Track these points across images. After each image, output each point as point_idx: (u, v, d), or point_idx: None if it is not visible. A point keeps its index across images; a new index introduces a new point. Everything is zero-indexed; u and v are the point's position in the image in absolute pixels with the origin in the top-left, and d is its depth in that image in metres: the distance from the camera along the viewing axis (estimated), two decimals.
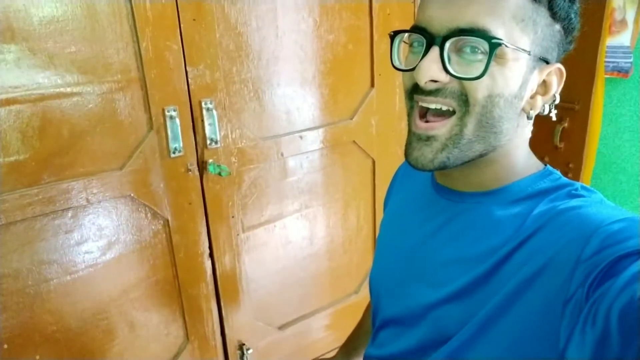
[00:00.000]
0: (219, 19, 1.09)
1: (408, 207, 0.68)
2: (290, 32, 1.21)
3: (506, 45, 0.48)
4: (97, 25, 0.96)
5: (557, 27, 0.52)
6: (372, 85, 1.39)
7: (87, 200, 1.03)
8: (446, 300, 0.55)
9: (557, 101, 0.56)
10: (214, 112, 1.12)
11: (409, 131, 0.55)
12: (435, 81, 0.50)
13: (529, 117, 0.54)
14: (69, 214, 1.02)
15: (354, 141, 1.40)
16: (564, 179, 0.55)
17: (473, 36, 0.48)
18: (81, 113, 0.99)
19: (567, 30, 0.54)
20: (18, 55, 0.90)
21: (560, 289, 0.45)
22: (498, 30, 0.48)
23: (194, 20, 1.06)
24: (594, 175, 1.92)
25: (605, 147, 1.83)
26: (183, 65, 1.07)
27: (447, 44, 0.49)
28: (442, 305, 0.55)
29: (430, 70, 0.49)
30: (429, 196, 0.63)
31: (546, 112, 0.56)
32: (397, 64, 0.56)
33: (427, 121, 0.53)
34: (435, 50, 0.49)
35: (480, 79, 0.49)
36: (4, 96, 0.91)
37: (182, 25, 1.05)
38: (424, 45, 0.51)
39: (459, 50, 0.50)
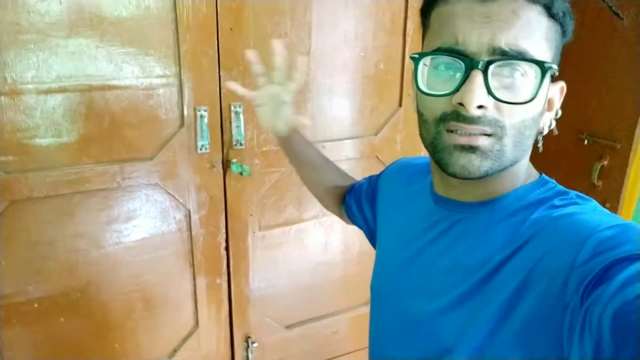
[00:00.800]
0: (254, 29, 1.18)
1: (406, 216, 0.69)
2: (322, 48, 1.28)
3: (555, 68, 0.49)
4: (144, 29, 1.08)
5: (563, 42, 0.53)
6: (400, 105, 1.43)
7: (119, 184, 1.14)
8: (443, 311, 0.55)
9: (559, 115, 0.57)
10: (242, 115, 1.21)
11: (443, 146, 0.52)
12: (481, 107, 0.49)
13: (541, 134, 0.55)
14: (102, 195, 1.14)
15: (376, 156, 1.45)
16: (559, 187, 0.56)
17: (517, 59, 0.48)
18: (122, 105, 1.10)
19: (565, 44, 0.55)
20: (73, 49, 1.03)
21: (558, 296, 0.45)
22: (534, 52, 0.48)
23: (231, 29, 1.15)
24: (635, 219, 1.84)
25: None
26: (217, 69, 1.16)
27: (491, 68, 0.48)
28: (438, 315, 0.56)
29: (479, 96, 0.48)
30: (428, 207, 0.63)
31: (553, 126, 0.57)
32: (424, 88, 0.52)
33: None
34: (479, 75, 0.48)
35: (526, 104, 0.49)
36: (58, 84, 1.04)
37: (219, 33, 1.14)
38: (463, 69, 0.49)
39: (496, 74, 0.49)
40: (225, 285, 1.35)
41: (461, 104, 0.49)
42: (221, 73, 1.17)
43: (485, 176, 0.52)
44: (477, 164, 0.51)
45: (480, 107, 0.49)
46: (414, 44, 1.39)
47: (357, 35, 1.31)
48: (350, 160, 1.42)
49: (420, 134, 0.57)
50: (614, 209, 1.82)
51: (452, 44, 0.50)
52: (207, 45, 1.14)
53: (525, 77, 0.48)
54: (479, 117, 0.49)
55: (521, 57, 0.48)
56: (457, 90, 0.49)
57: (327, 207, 0.96)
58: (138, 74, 1.10)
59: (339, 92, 1.34)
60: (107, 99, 1.09)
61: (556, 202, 0.53)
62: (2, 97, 1.00)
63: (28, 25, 0.98)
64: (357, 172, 1.44)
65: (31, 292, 1.13)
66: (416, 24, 1.37)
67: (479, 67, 0.48)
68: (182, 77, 1.13)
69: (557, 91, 0.56)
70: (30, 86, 1.01)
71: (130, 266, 1.22)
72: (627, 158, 1.73)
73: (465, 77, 0.49)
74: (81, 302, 1.19)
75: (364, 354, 1.66)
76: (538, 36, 0.49)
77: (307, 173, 0.93)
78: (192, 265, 1.29)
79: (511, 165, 0.53)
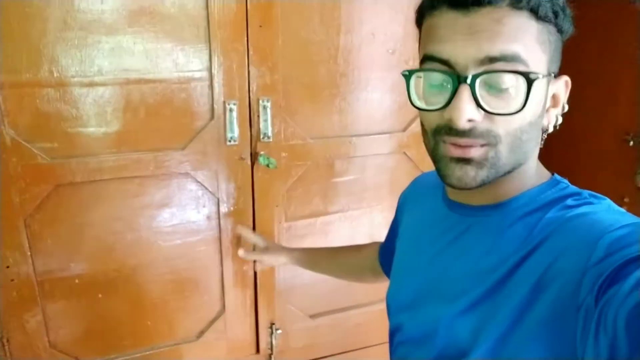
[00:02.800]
0: (283, 27, 1.22)
1: (421, 225, 0.70)
2: (351, 44, 1.30)
3: (540, 77, 0.49)
4: (178, 26, 1.14)
5: (561, 37, 0.54)
6: None
7: (152, 172, 1.21)
8: (459, 314, 0.56)
9: (566, 109, 0.58)
10: (269, 110, 1.25)
11: (441, 157, 0.54)
12: (471, 120, 0.50)
13: (546, 132, 0.56)
14: (137, 181, 1.22)
15: (404, 152, 1.46)
16: (572, 188, 0.56)
17: (505, 71, 0.48)
18: (156, 97, 1.17)
19: (565, 40, 0.55)
20: (113, 45, 1.11)
21: (572, 296, 0.45)
22: (527, 56, 0.49)
23: (260, 26, 1.20)
24: None
25: None
26: (246, 65, 1.21)
27: (478, 81, 0.48)
28: (455, 319, 0.56)
29: (467, 110, 0.49)
30: (441, 212, 0.65)
31: (559, 122, 0.57)
32: (418, 104, 0.54)
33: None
34: (466, 89, 0.49)
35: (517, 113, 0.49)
36: (99, 78, 1.12)
37: (249, 30, 1.19)
38: (451, 84, 0.50)
39: (485, 85, 0.49)
40: (251, 272, 1.41)
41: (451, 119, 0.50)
42: (250, 68, 1.22)
43: (483, 185, 0.53)
44: (472, 175, 0.52)
45: (470, 120, 0.50)
46: None
47: (386, 31, 1.32)
48: (378, 156, 1.44)
49: (424, 143, 0.59)
50: None
51: (439, 54, 0.51)
52: (237, 42, 1.19)
53: (515, 86, 0.49)
54: (470, 130, 0.50)
55: (512, 60, 0.48)
56: (447, 104, 0.50)
57: (370, 281, 1.08)
58: (172, 68, 1.16)
59: (367, 88, 1.36)
60: (143, 91, 1.16)
61: (569, 202, 0.53)
62: (50, 89, 1.09)
63: (72, 23, 1.06)
64: (386, 167, 1.46)
65: (72, 269, 1.23)
66: None
67: (467, 82, 0.48)
68: (213, 72, 1.19)
69: (561, 86, 0.55)
70: (74, 79, 1.10)
71: (162, 250, 1.30)
72: None
73: (454, 92, 0.49)
74: (117, 281, 1.28)
75: (386, 348, 1.68)
76: (529, 39, 0.49)
77: (334, 271, 1.13)
78: (220, 252, 1.35)
79: (513, 169, 0.54)
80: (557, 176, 0.58)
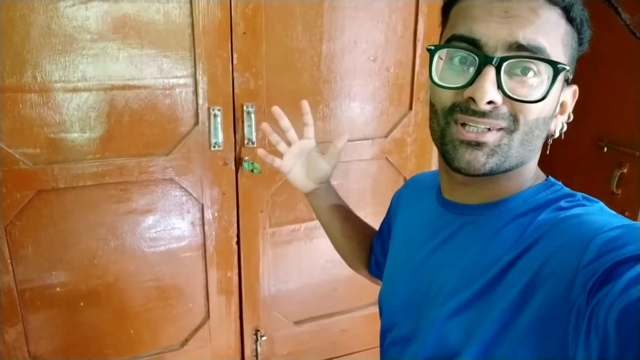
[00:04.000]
0: (267, 34, 1.24)
1: (415, 225, 0.69)
2: (333, 52, 1.33)
3: (567, 70, 0.49)
4: (163, 33, 1.15)
5: (579, 50, 0.54)
6: (410, 108, 1.46)
7: (137, 177, 1.21)
8: (451, 315, 0.55)
9: (571, 119, 0.58)
10: (253, 115, 1.27)
11: (451, 139, 0.53)
12: (491, 102, 0.49)
13: (552, 136, 0.56)
14: (120, 187, 1.21)
15: (386, 158, 1.48)
16: (566, 190, 0.56)
17: (533, 57, 0.48)
18: (140, 104, 1.18)
19: (582, 53, 0.55)
20: (97, 51, 1.11)
21: (564, 296, 0.45)
22: (552, 51, 0.49)
23: (244, 33, 1.22)
24: None
25: None
26: (230, 71, 1.23)
27: (505, 65, 0.48)
28: (447, 320, 0.56)
29: (491, 91, 0.48)
30: (435, 211, 0.64)
31: (564, 130, 0.57)
32: (438, 80, 0.53)
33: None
34: (491, 71, 0.48)
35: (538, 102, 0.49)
36: (82, 84, 1.12)
37: (233, 37, 1.21)
38: (476, 64, 0.49)
39: (509, 70, 0.49)
40: (236, 278, 1.41)
41: (472, 99, 0.50)
42: (234, 75, 1.23)
43: (489, 173, 0.52)
44: (482, 160, 0.51)
45: (490, 102, 0.49)
46: (424, 49, 1.42)
47: (367, 39, 1.36)
48: (361, 162, 1.46)
49: (430, 127, 0.57)
50: (633, 217, 1.78)
51: (469, 35, 0.50)
52: (221, 49, 1.20)
53: (539, 75, 0.49)
54: (490, 112, 0.50)
55: (538, 53, 0.48)
56: (470, 84, 0.50)
57: (352, 266, 0.94)
58: (156, 74, 1.17)
59: (349, 94, 1.38)
60: (127, 97, 1.16)
61: (563, 203, 0.53)
62: (33, 95, 1.09)
63: (57, 29, 1.07)
64: (369, 173, 1.48)
65: (54, 277, 1.21)
66: (427, 29, 1.40)
67: (492, 62, 0.48)
68: (197, 78, 1.20)
69: (569, 95, 0.56)
70: (57, 85, 1.10)
71: (146, 256, 1.29)
72: None
73: (478, 72, 0.49)
74: (100, 289, 1.27)
75: (373, 354, 1.69)
76: (556, 37, 0.50)
77: (334, 228, 0.90)
78: (205, 258, 1.35)
79: (518, 165, 0.54)
80: (551, 178, 0.58)
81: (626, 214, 1.77)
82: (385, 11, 1.35)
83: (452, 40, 0.52)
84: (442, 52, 0.53)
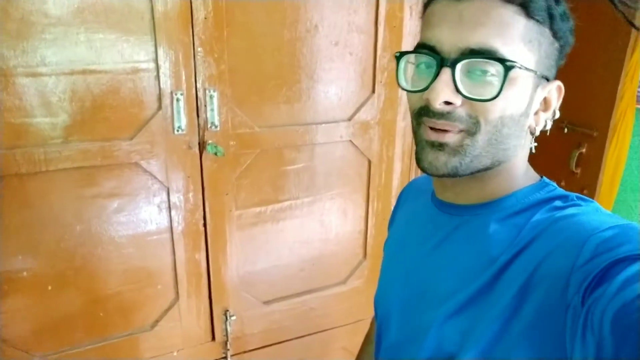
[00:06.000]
0: (228, 18, 1.26)
1: (410, 226, 0.70)
2: (295, 36, 1.35)
3: (519, 67, 0.49)
4: (122, 17, 1.16)
5: (557, 45, 0.54)
6: (373, 91, 1.49)
7: (101, 162, 1.23)
8: (448, 317, 0.55)
9: (557, 116, 0.57)
10: (216, 100, 1.29)
11: (419, 140, 0.55)
12: (449, 103, 0.51)
13: (533, 134, 0.56)
14: (85, 172, 1.23)
15: (350, 141, 1.51)
16: (560, 190, 0.57)
17: (485, 58, 0.49)
18: (102, 88, 1.19)
19: (563, 47, 0.55)
20: (56, 35, 1.12)
21: (560, 296, 0.45)
22: (507, 51, 0.49)
23: (205, 18, 1.23)
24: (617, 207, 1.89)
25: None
26: (192, 56, 1.24)
27: (459, 66, 0.50)
28: (444, 322, 0.56)
29: (443, 92, 0.50)
30: (430, 212, 0.64)
31: (548, 127, 0.57)
32: (404, 84, 0.56)
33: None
34: (447, 72, 0.50)
35: (494, 101, 0.50)
36: (42, 69, 1.12)
37: (194, 22, 1.22)
38: (435, 67, 0.51)
39: (468, 72, 0.50)
40: (204, 261, 1.43)
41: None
42: (196, 59, 1.25)
43: (454, 173, 0.53)
44: (443, 160, 0.53)
45: (448, 103, 0.51)
46: (386, 33, 1.45)
47: (329, 24, 1.38)
48: (326, 145, 1.49)
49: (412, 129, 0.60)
50: (592, 195, 1.85)
51: (428, 40, 0.52)
52: (183, 33, 1.22)
53: (493, 75, 0.50)
54: (448, 113, 0.51)
55: (490, 54, 0.49)
56: (428, 87, 0.52)
57: None
58: (117, 59, 1.18)
59: (312, 78, 1.41)
60: (89, 82, 1.17)
61: (557, 203, 0.54)
62: None
63: (15, 13, 1.07)
64: (334, 155, 1.51)
65: (20, 262, 1.22)
66: (387, 12, 1.43)
67: (447, 64, 0.50)
68: (159, 63, 1.21)
69: (553, 91, 0.56)
70: (17, 69, 1.10)
71: (113, 240, 1.31)
72: (603, 146, 1.77)
73: (436, 74, 0.51)
74: (67, 272, 1.29)
75: (341, 332, 1.74)
76: (512, 35, 0.50)
77: None
78: (172, 240, 1.38)
79: (494, 164, 0.54)
80: (545, 179, 0.59)
81: (585, 192, 1.84)
82: None
83: (417, 47, 0.54)
84: (411, 57, 0.56)
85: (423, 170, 0.55)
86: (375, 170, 1.58)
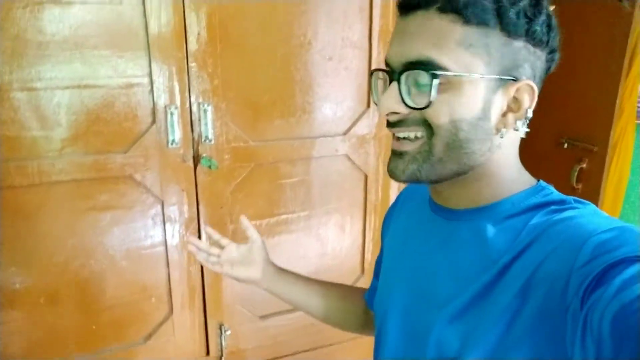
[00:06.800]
0: (222, 34, 1.27)
1: (408, 230, 0.70)
2: (289, 51, 1.36)
3: (453, 74, 0.51)
4: (117, 34, 1.18)
5: (518, 43, 0.52)
6: (369, 105, 1.50)
7: (95, 175, 1.24)
8: (448, 321, 0.56)
9: (530, 116, 0.55)
10: (210, 114, 1.30)
11: (391, 150, 0.59)
12: (396, 113, 0.54)
13: (501, 136, 0.55)
14: (78, 185, 1.24)
15: (346, 155, 1.51)
16: (557, 194, 0.57)
17: (417, 69, 0.52)
18: (97, 102, 1.20)
19: (536, 44, 0.53)
20: (51, 52, 1.14)
21: (559, 299, 0.46)
22: (445, 60, 0.51)
23: (199, 34, 1.25)
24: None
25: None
26: (186, 71, 1.26)
27: (402, 78, 0.53)
28: (444, 326, 0.56)
29: (387, 103, 0.54)
30: (427, 216, 0.65)
31: (521, 129, 0.56)
32: (374, 99, 0.62)
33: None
34: (393, 85, 0.54)
35: (435, 107, 0.52)
36: (40, 84, 1.15)
37: (187, 39, 1.24)
38: (388, 81, 0.55)
39: (416, 82, 0.53)
40: (198, 274, 1.43)
41: None
42: (190, 74, 1.26)
43: (415, 180, 0.55)
44: (401, 168, 0.56)
45: (395, 113, 0.55)
46: (380, 48, 1.46)
47: (323, 39, 1.39)
48: (321, 159, 1.49)
49: None
50: None
51: (386, 59, 0.57)
52: (176, 49, 1.23)
53: (426, 84, 0.52)
54: (402, 121, 0.55)
55: (426, 65, 0.51)
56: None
57: (352, 329, 0.94)
58: (111, 74, 1.20)
59: (307, 92, 1.42)
60: (83, 96, 1.19)
61: (555, 206, 0.54)
62: None
63: (11, 30, 1.10)
64: (329, 170, 1.51)
65: (12, 273, 1.23)
66: (381, 28, 1.44)
67: (395, 78, 0.54)
68: (153, 78, 1.23)
69: (522, 91, 0.54)
70: (13, 84, 1.13)
71: (107, 253, 1.32)
72: (603, 160, 1.75)
73: (386, 88, 0.56)
74: (60, 285, 1.29)
75: (338, 349, 1.71)
76: (448, 43, 0.51)
77: (312, 306, 0.92)
78: (166, 253, 1.38)
79: (463, 169, 0.55)
80: (542, 182, 0.59)
81: None
82: (340, 11, 1.38)
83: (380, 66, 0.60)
84: (380, 74, 0.61)
85: (389, 176, 0.59)
86: (372, 185, 1.57)
